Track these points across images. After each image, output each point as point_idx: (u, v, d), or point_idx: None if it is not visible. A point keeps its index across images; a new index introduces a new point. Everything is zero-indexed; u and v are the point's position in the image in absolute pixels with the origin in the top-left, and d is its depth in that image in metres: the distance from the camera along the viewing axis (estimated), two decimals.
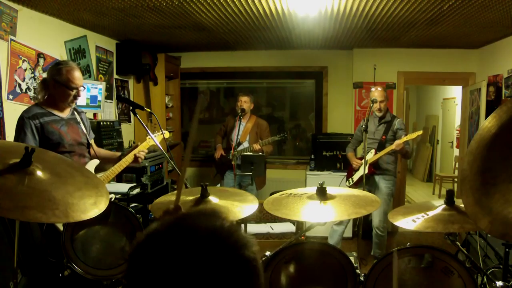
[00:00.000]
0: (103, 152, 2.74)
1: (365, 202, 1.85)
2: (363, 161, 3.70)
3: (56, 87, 2.39)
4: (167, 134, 2.81)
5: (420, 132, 3.71)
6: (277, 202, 1.91)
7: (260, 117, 4.53)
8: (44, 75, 3.44)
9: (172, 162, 2.34)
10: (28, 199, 1.34)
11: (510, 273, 2.23)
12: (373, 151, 3.81)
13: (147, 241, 0.71)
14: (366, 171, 3.71)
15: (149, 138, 2.57)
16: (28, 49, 3.23)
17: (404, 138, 3.59)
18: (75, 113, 2.58)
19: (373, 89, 3.86)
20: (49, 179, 1.50)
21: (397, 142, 3.56)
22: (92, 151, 2.62)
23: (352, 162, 3.98)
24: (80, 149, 2.52)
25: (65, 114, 2.49)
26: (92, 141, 2.66)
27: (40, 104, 2.44)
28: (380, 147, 3.77)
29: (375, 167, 3.81)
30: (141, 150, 2.53)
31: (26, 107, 3.20)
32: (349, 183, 4.02)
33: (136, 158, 2.52)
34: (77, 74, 2.41)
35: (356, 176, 3.93)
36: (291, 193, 1.99)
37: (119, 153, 2.63)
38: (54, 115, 2.42)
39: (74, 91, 2.40)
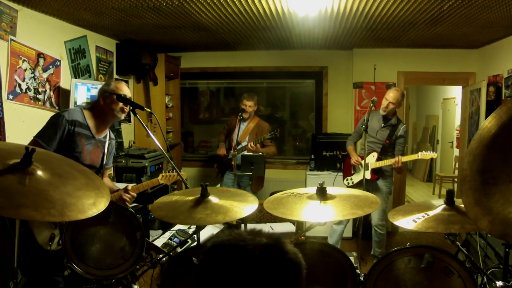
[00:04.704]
0: (107, 181, 2.66)
1: (365, 202, 1.85)
2: (363, 162, 3.68)
3: (104, 97, 2.40)
4: (184, 175, 2.70)
5: (434, 155, 3.59)
6: (277, 202, 1.91)
7: (261, 118, 4.49)
8: (44, 75, 3.45)
9: (172, 162, 2.34)
10: (24, 198, 1.35)
11: (510, 273, 2.23)
12: (375, 154, 3.73)
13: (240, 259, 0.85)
14: (369, 177, 3.70)
15: (162, 176, 2.59)
16: (28, 49, 3.23)
17: (414, 156, 3.58)
18: (107, 136, 2.56)
19: (390, 89, 3.77)
20: (49, 179, 1.50)
21: (398, 159, 3.54)
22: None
23: (352, 157, 3.87)
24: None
25: (99, 135, 2.49)
26: (108, 170, 2.64)
27: (84, 111, 2.44)
28: (384, 151, 3.74)
29: (376, 172, 3.75)
30: (129, 194, 2.45)
31: (26, 107, 3.22)
32: (348, 182, 3.96)
33: (122, 200, 2.44)
34: (123, 86, 2.45)
35: (356, 178, 3.88)
36: (293, 193, 1.99)
37: (116, 188, 2.57)
38: (89, 130, 2.42)
39: (122, 100, 2.39)
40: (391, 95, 3.67)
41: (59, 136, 2.29)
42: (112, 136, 2.64)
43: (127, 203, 2.44)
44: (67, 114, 2.34)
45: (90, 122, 2.43)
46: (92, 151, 2.45)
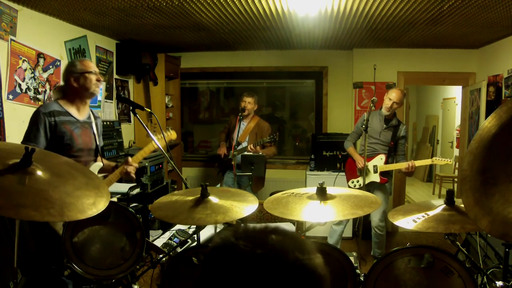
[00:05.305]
0: (105, 162, 2.70)
1: (365, 202, 1.85)
2: (369, 164, 3.67)
3: (76, 79, 2.40)
4: (174, 135, 2.79)
5: (449, 162, 3.57)
6: (277, 202, 1.91)
7: (262, 118, 4.49)
8: (44, 75, 3.44)
9: (172, 162, 2.34)
10: (23, 198, 1.35)
11: (510, 273, 2.23)
12: (383, 157, 3.68)
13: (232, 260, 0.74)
14: (379, 180, 3.69)
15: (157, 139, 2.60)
16: (28, 49, 3.23)
17: (428, 161, 3.59)
18: (91, 116, 2.57)
19: (392, 89, 3.73)
20: (48, 179, 1.50)
21: (412, 164, 3.52)
22: (99, 158, 2.61)
23: (358, 161, 3.74)
24: (88, 155, 2.51)
25: (82, 116, 2.48)
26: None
27: (59, 101, 2.43)
28: (388, 153, 3.73)
29: (384, 175, 3.70)
30: (131, 165, 2.47)
31: (26, 107, 3.22)
32: (354, 185, 3.83)
33: (127, 173, 2.47)
34: (89, 61, 2.47)
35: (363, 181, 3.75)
36: (293, 193, 1.99)
37: (114, 163, 2.60)
38: (71, 115, 2.42)
39: (94, 75, 2.42)
40: (394, 95, 3.62)
41: (43, 131, 2.30)
42: (97, 114, 2.65)
43: (132, 175, 2.47)
44: (42, 108, 2.35)
45: (68, 108, 2.43)
46: (82, 134, 2.45)
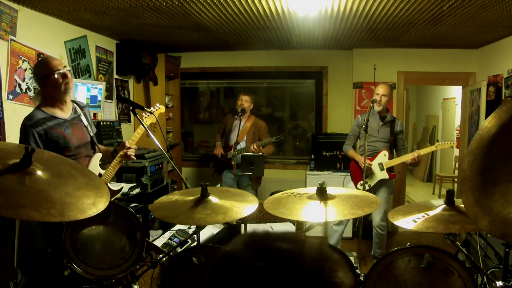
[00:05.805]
0: (102, 148, 2.73)
1: (365, 202, 1.85)
2: (373, 163, 3.67)
3: (45, 82, 2.35)
4: (162, 109, 2.78)
5: (453, 144, 3.59)
6: (277, 202, 1.92)
7: (259, 117, 4.51)
8: None
9: (172, 162, 2.34)
10: (24, 198, 1.35)
11: (510, 273, 2.23)
12: (386, 153, 3.70)
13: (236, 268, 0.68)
14: (388, 176, 3.69)
15: (145, 117, 2.61)
16: (28, 49, 3.23)
17: (432, 148, 3.59)
18: (77, 109, 2.54)
19: (378, 85, 3.77)
20: (49, 179, 1.50)
21: (417, 154, 3.53)
22: (97, 148, 2.61)
23: (361, 162, 3.64)
24: (86, 149, 2.50)
25: (67, 114, 2.46)
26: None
27: (41, 107, 2.40)
28: (391, 150, 3.74)
29: (391, 170, 3.71)
30: (129, 148, 2.48)
31: (26, 107, 3.22)
32: (363, 187, 3.69)
33: (127, 156, 2.49)
34: (53, 60, 2.39)
35: (372, 180, 3.72)
36: (293, 193, 1.99)
37: (111, 148, 2.61)
38: (57, 117, 2.39)
39: (57, 75, 2.34)
40: (381, 90, 3.70)
41: (34, 143, 2.27)
42: (82, 104, 2.63)
43: (133, 157, 2.51)
44: (28, 121, 2.31)
45: (52, 111, 2.40)
46: (74, 132, 2.44)
